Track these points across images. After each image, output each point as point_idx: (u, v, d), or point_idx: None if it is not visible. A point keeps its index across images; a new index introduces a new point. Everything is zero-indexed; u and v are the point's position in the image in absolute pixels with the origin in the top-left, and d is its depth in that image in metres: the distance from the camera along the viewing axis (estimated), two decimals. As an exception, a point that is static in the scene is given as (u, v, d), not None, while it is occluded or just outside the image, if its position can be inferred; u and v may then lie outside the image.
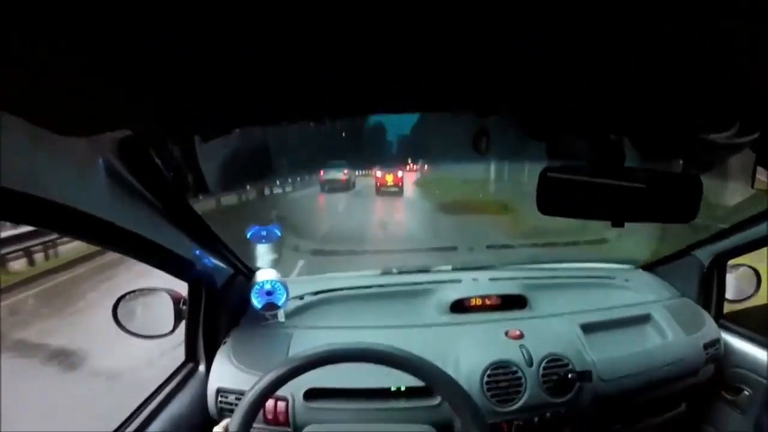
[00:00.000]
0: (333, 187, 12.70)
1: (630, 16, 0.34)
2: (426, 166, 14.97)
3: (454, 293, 1.34)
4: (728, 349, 1.34)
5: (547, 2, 0.32)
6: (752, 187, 0.84)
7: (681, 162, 0.74)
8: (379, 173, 12.64)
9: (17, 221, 0.62)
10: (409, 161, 15.16)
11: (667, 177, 0.70)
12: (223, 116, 0.62)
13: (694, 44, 0.40)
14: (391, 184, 12.23)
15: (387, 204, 10.87)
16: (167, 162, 0.78)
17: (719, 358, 1.32)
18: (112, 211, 0.70)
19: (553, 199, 0.70)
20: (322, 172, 13.27)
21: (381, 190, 12.22)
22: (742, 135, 0.64)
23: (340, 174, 13.09)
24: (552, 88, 0.54)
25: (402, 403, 1.05)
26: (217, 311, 1.19)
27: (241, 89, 0.49)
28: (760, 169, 0.82)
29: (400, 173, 12.49)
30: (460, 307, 1.32)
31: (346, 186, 13.08)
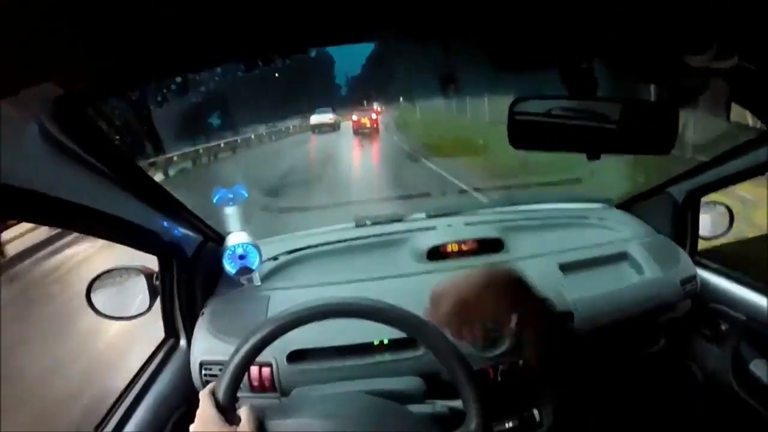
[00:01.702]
0: (322, 130, 14.53)
1: None
2: (385, 107, 15.16)
3: (429, 240, 1.33)
4: (704, 285, 1.37)
5: None
6: (728, 120, 0.83)
7: (653, 90, 0.72)
8: (355, 117, 13.94)
9: None
10: (374, 104, 15.16)
11: (643, 106, 0.68)
12: (166, 59, 0.54)
13: None
14: (368, 125, 13.52)
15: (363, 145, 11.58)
16: (109, 123, 0.68)
17: (696, 294, 1.35)
18: (55, 182, 0.63)
19: (524, 132, 0.68)
20: (311, 118, 15.27)
21: (358, 131, 13.41)
22: (719, 59, 0.61)
23: (327, 118, 14.93)
24: (520, 9, 0.49)
25: (386, 356, 1.05)
26: (191, 282, 1.14)
27: (184, 25, 0.43)
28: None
29: (374, 115, 13.92)
30: (436, 253, 1.30)
31: (333, 128, 14.78)
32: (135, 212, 0.88)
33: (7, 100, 0.50)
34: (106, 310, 1.05)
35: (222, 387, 0.73)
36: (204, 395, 0.73)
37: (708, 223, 1.46)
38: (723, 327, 1.31)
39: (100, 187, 0.75)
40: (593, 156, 0.68)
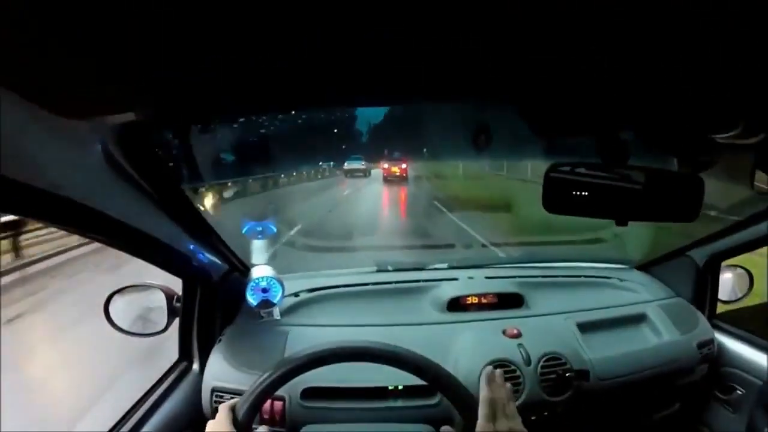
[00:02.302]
0: (354, 174, 15.74)
1: (640, 13, 0.34)
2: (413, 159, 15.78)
3: (450, 291, 1.34)
4: (721, 349, 1.36)
5: None
6: (752, 188, 0.86)
7: (675, 161, 0.74)
8: (386, 165, 14.94)
9: (7, 211, 0.59)
10: (399, 154, 15.87)
11: (670, 176, 0.70)
12: (219, 105, 0.60)
13: (701, 44, 0.39)
14: (398, 174, 14.37)
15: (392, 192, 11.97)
16: (166, 151, 0.75)
17: (713, 358, 1.33)
18: (107, 200, 0.67)
19: (558, 197, 0.70)
20: (345, 164, 16.55)
21: (387, 178, 14.28)
22: (745, 137, 0.65)
23: (359, 165, 16.25)
24: (560, 83, 0.53)
25: (400, 402, 1.04)
26: (212, 309, 1.17)
27: (236, 80, 0.47)
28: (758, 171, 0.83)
29: (403, 165, 14.66)
30: (456, 305, 1.31)
31: (365, 174, 15.98)
32: (171, 235, 0.92)
33: (80, 120, 0.55)
34: (122, 325, 1.06)
35: (244, 407, 0.75)
36: (224, 408, 0.75)
37: (728, 286, 1.46)
38: (739, 392, 1.29)
39: (144, 208, 0.80)
40: (621, 222, 0.70)
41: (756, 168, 0.82)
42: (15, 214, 0.72)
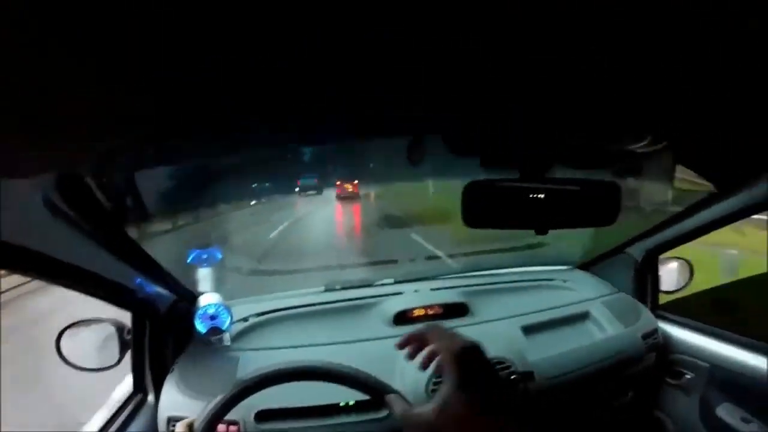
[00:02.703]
0: (307, 193, 15.52)
1: (549, 38, 0.36)
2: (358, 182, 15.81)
3: (396, 305, 1.37)
4: (667, 337, 1.42)
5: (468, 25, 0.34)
6: (673, 187, 0.94)
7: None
8: (338, 182, 14.81)
9: None
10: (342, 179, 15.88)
11: (587, 184, 0.73)
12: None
13: (609, 69, 0.43)
14: (350, 191, 14.50)
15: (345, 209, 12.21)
16: (105, 192, 0.79)
17: (659, 346, 1.39)
18: (52, 244, 0.71)
19: (478, 211, 0.72)
20: (299, 182, 15.92)
21: (340, 195, 14.35)
22: (655, 144, 0.72)
23: (313, 183, 15.82)
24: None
25: (352, 417, 1.06)
26: (163, 339, 1.18)
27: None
28: (679, 170, 0.91)
29: (356, 181, 14.71)
30: (403, 318, 1.34)
31: (317, 191, 15.69)
32: (114, 270, 0.94)
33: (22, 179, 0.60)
34: (74, 361, 1.06)
35: (200, 428, 0.77)
36: (181, 426, 0.78)
37: (671, 277, 1.53)
38: (688, 376, 1.35)
39: (85, 246, 0.82)
40: (541, 232, 0.73)
41: (675, 166, 0.89)
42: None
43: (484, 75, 0.43)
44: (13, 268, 0.70)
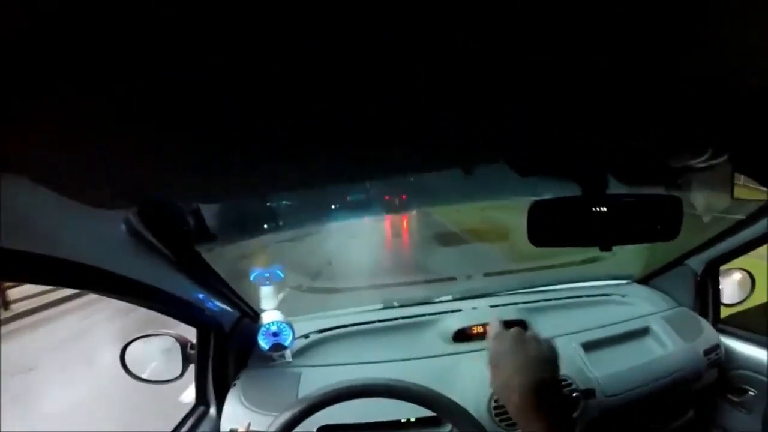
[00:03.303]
0: (356, 207, 15.29)
1: (607, 57, 0.36)
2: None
3: (455, 323, 1.36)
4: (729, 352, 1.37)
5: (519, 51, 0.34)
6: (732, 197, 0.91)
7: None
8: (387, 197, 14.88)
9: (40, 283, 0.67)
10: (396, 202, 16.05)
11: (649, 199, 0.74)
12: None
13: (665, 84, 0.42)
14: (397, 204, 14.63)
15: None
16: (181, 217, 0.84)
17: (721, 362, 1.34)
18: (128, 265, 0.75)
19: (544, 231, 0.73)
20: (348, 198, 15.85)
21: (389, 209, 14.35)
22: (715, 158, 0.70)
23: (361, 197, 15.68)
24: (538, 136, 0.56)
25: None
26: (226, 354, 1.21)
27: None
28: (738, 178, 0.88)
29: (404, 195, 14.67)
30: (462, 336, 1.33)
31: (366, 204, 15.51)
32: (184, 289, 0.98)
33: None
34: (138, 373, 1.10)
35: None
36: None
37: (731, 289, 1.48)
38: (751, 393, 1.30)
39: (159, 266, 0.86)
40: (606, 248, 0.74)
41: (734, 175, 0.87)
42: (41, 284, 0.79)
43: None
44: (93, 289, 0.74)
